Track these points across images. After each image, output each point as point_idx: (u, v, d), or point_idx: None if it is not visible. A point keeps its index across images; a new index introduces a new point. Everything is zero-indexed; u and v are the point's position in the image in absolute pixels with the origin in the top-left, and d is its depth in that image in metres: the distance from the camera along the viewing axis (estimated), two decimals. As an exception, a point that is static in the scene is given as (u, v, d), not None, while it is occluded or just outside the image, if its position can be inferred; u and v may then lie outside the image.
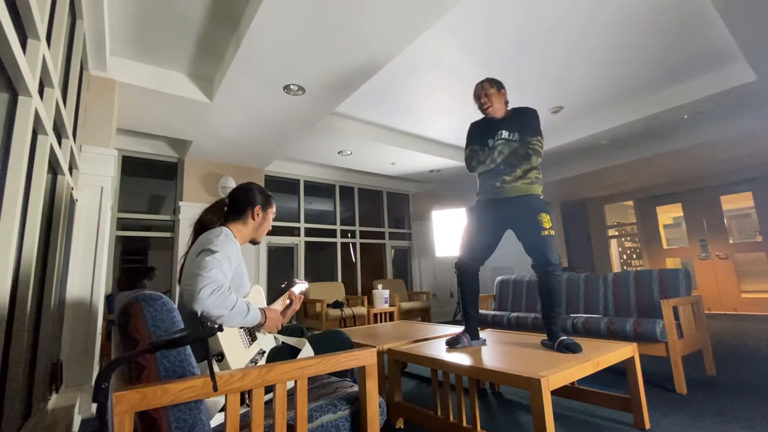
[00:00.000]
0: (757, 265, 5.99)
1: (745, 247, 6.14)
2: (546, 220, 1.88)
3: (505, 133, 2.00)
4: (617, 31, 2.89)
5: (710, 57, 3.31)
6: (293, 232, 5.58)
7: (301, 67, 2.75)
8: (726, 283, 6.21)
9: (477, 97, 2.09)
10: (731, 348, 3.45)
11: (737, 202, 6.37)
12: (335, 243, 5.98)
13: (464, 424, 1.64)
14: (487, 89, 2.06)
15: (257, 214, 1.55)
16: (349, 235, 6.20)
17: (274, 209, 1.64)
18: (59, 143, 1.89)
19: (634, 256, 8.33)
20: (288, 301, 1.60)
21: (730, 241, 6.28)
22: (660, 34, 2.96)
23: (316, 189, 5.99)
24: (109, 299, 3.51)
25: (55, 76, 1.60)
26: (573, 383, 2.09)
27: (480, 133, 2.08)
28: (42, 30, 1.35)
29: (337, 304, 4.87)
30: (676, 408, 2.01)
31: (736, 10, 2.43)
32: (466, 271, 2.06)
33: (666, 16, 2.75)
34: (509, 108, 2.11)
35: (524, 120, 2.00)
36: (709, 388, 2.33)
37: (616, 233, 8.15)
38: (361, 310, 4.85)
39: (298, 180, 5.72)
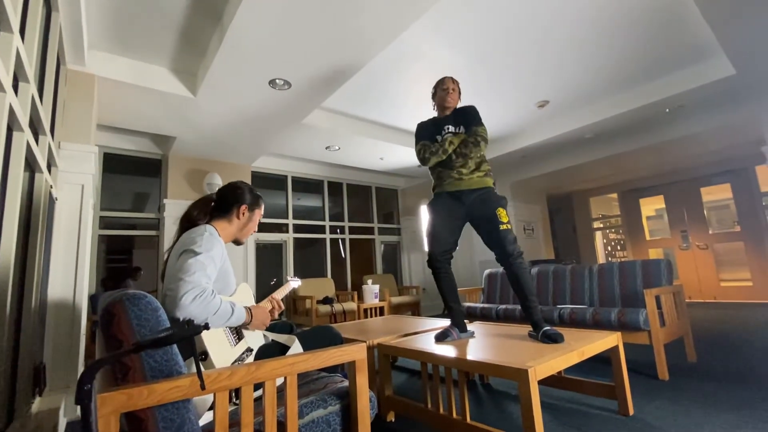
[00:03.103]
0: (736, 255, 6.18)
1: (724, 237, 6.33)
2: (503, 214, 1.99)
3: (451, 128, 2.13)
4: (601, 26, 2.92)
5: (691, 52, 3.38)
6: (282, 228, 5.54)
7: (287, 62, 2.72)
8: (706, 273, 6.40)
9: (445, 87, 2.19)
10: (711, 335, 3.56)
11: (716, 194, 6.56)
12: (324, 239, 5.96)
13: (454, 415, 1.66)
14: (456, 86, 2.22)
15: (243, 214, 1.51)
16: (338, 230, 6.18)
17: (261, 210, 1.60)
18: (36, 140, 1.84)
19: (618, 247, 8.51)
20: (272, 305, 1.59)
21: (710, 232, 6.46)
22: (642, 29, 3.00)
23: (304, 185, 5.94)
24: (92, 299, 3.44)
25: (30, 71, 1.55)
26: (560, 373, 2.13)
27: (428, 131, 2.20)
28: (15, 22, 1.30)
29: (326, 300, 4.86)
30: (658, 394, 2.08)
31: (715, 6, 2.48)
32: (440, 267, 2.09)
33: (648, 11, 2.79)
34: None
35: (467, 115, 2.14)
36: (690, 373, 2.40)
37: (601, 225, 8.31)
38: (351, 305, 4.85)
39: (286, 176, 5.67)
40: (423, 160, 2.15)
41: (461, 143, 2.07)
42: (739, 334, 3.51)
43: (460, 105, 2.24)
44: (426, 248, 6.32)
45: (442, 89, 2.20)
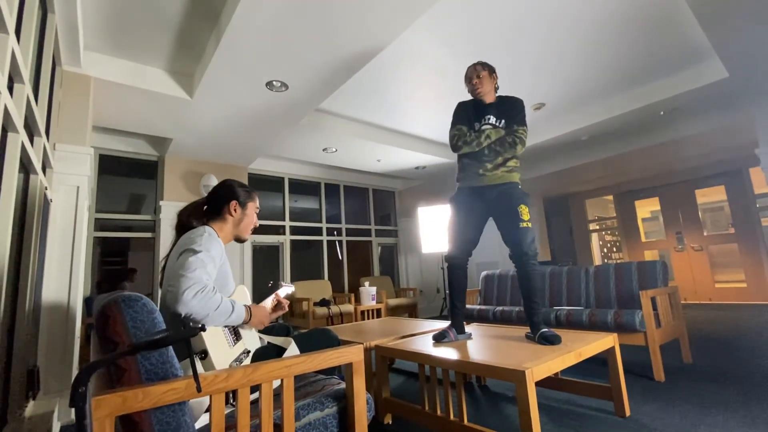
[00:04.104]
0: (730, 256, 6.22)
1: (718, 239, 6.37)
2: (525, 212, 1.93)
3: (492, 119, 2.04)
4: (597, 30, 2.95)
5: (685, 55, 3.41)
6: (278, 230, 5.53)
7: (284, 63, 2.72)
8: (701, 274, 6.44)
9: (469, 78, 2.10)
10: (706, 336, 3.58)
11: (711, 196, 6.60)
12: (321, 241, 5.95)
13: (451, 417, 1.66)
14: (480, 71, 2.09)
15: (235, 210, 1.49)
16: (335, 232, 6.18)
17: (256, 204, 1.58)
18: (31, 141, 1.83)
19: (614, 249, 8.54)
20: (275, 302, 1.58)
21: (705, 234, 6.51)
22: (638, 33, 3.03)
23: (301, 187, 5.93)
24: (87, 302, 3.41)
25: (26, 72, 1.54)
26: (556, 374, 2.14)
27: (467, 114, 2.10)
28: (10, 23, 1.30)
29: (323, 302, 4.85)
30: (655, 395, 2.08)
31: (709, 10, 2.50)
32: (457, 265, 2.07)
33: (643, 15, 2.81)
34: (497, 95, 2.15)
35: (512, 109, 2.04)
36: (686, 374, 2.41)
37: (597, 227, 8.35)
38: (348, 307, 4.84)
39: (283, 178, 5.66)
40: (454, 147, 2.07)
41: (498, 140, 1.99)
42: (734, 335, 3.53)
43: (505, 94, 2.12)
44: (423, 249, 6.31)
45: (468, 82, 2.10)
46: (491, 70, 2.11)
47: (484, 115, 2.06)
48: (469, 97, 2.18)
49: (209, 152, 4.33)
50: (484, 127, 2.04)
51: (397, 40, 2.79)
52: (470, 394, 2.30)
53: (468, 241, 2.07)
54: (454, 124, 2.11)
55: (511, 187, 2.00)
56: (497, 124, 2.04)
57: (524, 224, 1.92)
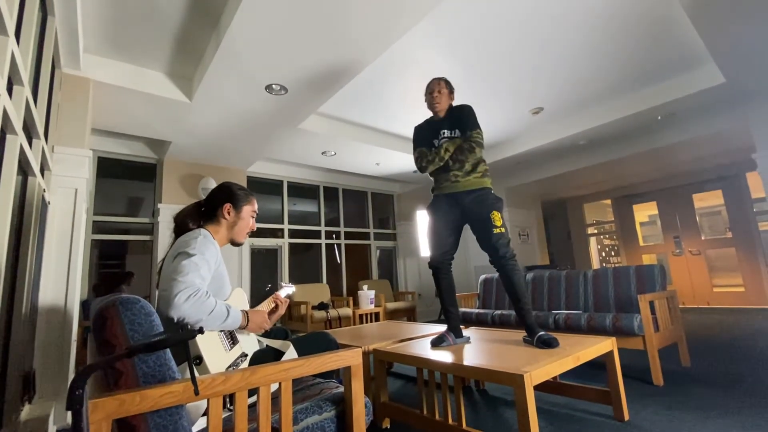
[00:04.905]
0: (728, 261, 6.24)
1: (716, 243, 6.39)
2: (497, 218, 1.98)
3: (446, 132, 2.11)
4: (595, 35, 2.97)
5: (682, 60, 3.44)
6: (277, 233, 5.52)
7: (284, 67, 2.73)
8: (699, 278, 6.45)
9: (430, 91, 2.16)
10: (704, 340, 3.58)
11: (708, 200, 6.63)
12: (320, 244, 5.94)
13: (450, 421, 1.65)
14: (441, 87, 2.16)
15: (228, 213, 1.47)
16: (333, 236, 6.17)
17: (253, 207, 1.55)
18: (30, 143, 1.82)
19: (613, 253, 8.56)
20: (273, 305, 1.57)
21: (702, 238, 6.53)
22: (635, 38, 3.05)
23: (299, 190, 5.93)
24: (84, 305, 3.39)
25: (25, 74, 1.54)
26: (555, 378, 2.13)
27: (425, 135, 2.19)
28: (10, 26, 1.30)
29: (322, 306, 4.84)
30: (653, 399, 2.08)
31: (705, 16, 2.53)
32: (441, 269, 2.09)
33: (641, 20, 2.84)
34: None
35: (462, 117, 2.11)
36: (684, 379, 2.41)
37: (595, 231, 8.37)
38: (347, 311, 4.83)
39: (282, 181, 5.66)
40: (421, 168, 2.14)
41: (457, 149, 2.05)
42: (732, 339, 3.53)
43: (455, 103, 2.19)
44: (421, 253, 6.31)
45: (428, 93, 2.17)
46: (451, 90, 2.21)
47: (439, 130, 2.13)
48: (426, 111, 2.27)
49: (208, 155, 4.33)
50: (441, 142, 2.11)
51: (395, 45, 2.80)
52: (468, 399, 2.30)
53: (448, 245, 2.09)
54: (414, 147, 2.20)
55: (485, 194, 2.04)
56: (452, 134, 2.10)
57: (497, 230, 1.96)
